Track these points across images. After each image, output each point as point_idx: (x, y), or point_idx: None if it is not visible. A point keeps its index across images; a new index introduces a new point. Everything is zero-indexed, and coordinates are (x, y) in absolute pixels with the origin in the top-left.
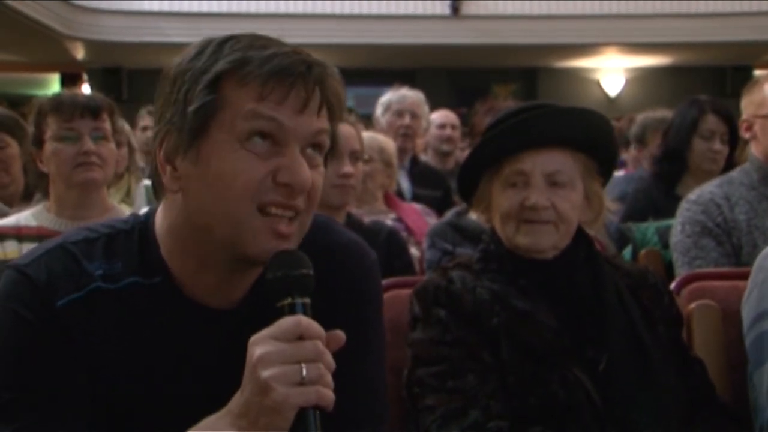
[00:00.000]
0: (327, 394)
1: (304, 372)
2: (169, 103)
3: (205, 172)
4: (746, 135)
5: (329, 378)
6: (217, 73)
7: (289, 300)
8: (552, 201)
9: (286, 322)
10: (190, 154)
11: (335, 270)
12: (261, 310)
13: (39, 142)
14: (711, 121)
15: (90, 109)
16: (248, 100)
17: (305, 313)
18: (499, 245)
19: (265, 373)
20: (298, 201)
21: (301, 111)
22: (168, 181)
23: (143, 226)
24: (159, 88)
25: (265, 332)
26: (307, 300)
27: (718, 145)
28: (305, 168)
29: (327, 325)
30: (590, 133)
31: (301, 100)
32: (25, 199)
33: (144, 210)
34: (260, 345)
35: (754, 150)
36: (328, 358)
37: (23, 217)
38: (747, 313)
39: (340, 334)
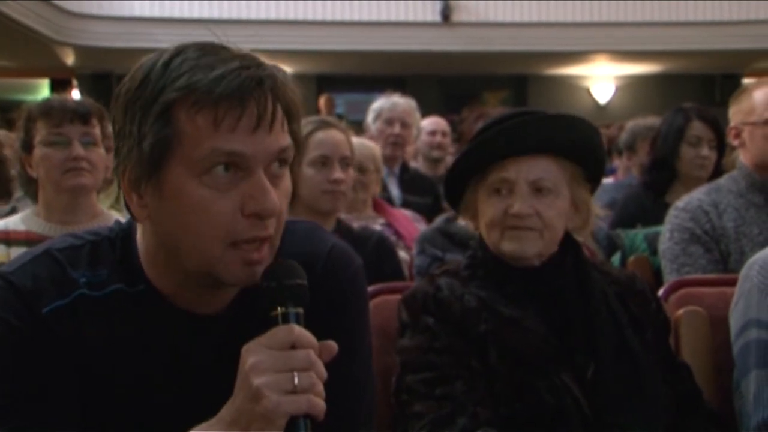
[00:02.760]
0: (318, 403)
1: (296, 380)
2: (123, 136)
3: (169, 206)
4: (735, 142)
5: (321, 387)
6: (165, 104)
7: (282, 309)
8: (536, 208)
9: (279, 331)
10: (152, 186)
11: (321, 276)
12: (248, 315)
13: (28, 147)
14: (697, 128)
15: (79, 114)
16: (203, 129)
17: (298, 323)
18: (487, 252)
19: (258, 381)
20: (269, 227)
21: (256, 129)
22: (135, 209)
23: (125, 234)
24: (112, 115)
25: (258, 340)
26: (300, 310)
27: (705, 151)
28: (271, 193)
29: (314, 330)
30: (575, 140)
31: (255, 118)
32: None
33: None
34: (253, 353)
35: (742, 158)
36: (320, 367)
37: (12, 222)
38: (734, 321)
39: (332, 345)
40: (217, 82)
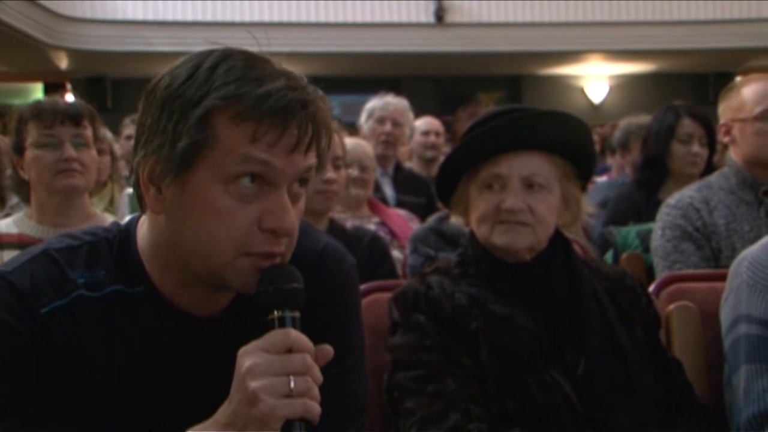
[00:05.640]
0: (314, 407)
1: (292, 384)
2: (156, 130)
3: (189, 205)
4: (725, 139)
5: (316, 391)
6: (207, 109)
7: (279, 313)
8: (528, 203)
9: (275, 335)
10: (176, 183)
11: (314, 275)
12: (246, 318)
13: (20, 149)
14: (687, 125)
15: (71, 116)
16: (240, 140)
17: (295, 327)
18: (477, 249)
19: (254, 384)
20: (282, 244)
21: (293, 151)
22: (151, 202)
23: (125, 235)
24: (144, 106)
25: (254, 344)
26: (297, 314)
27: (696, 148)
28: (291, 213)
29: (307, 330)
30: (567, 137)
31: (294, 139)
32: None
33: (127, 218)
34: (249, 356)
35: (733, 154)
36: (316, 371)
37: (4, 225)
38: (724, 317)
39: (328, 349)
40: (264, 99)
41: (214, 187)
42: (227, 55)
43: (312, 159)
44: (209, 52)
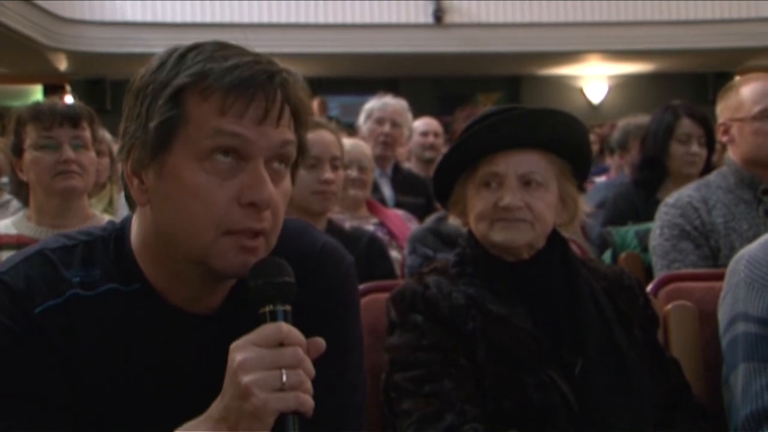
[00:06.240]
0: (307, 401)
1: (285, 378)
2: (132, 117)
3: (169, 188)
4: (723, 139)
5: (309, 384)
6: (177, 87)
7: (270, 307)
8: (526, 201)
9: (267, 329)
10: (154, 168)
11: (312, 274)
12: (240, 314)
13: (18, 150)
14: (686, 125)
15: (69, 118)
16: (210, 114)
17: (286, 320)
18: (475, 248)
19: (246, 379)
20: (264, 221)
21: (263, 121)
22: (136, 194)
23: (119, 234)
24: (124, 100)
25: (246, 338)
26: (288, 307)
27: (695, 148)
28: (268, 184)
29: (305, 329)
30: (563, 135)
31: (262, 110)
32: None
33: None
34: (241, 351)
35: (731, 154)
36: (308, 364)
37: (3, 226)
38: (722, 316)
39: (320, 342)
40: (230, 72)
41: (190, 166)
42: (198, 44)
43: (287, 134)
44: (181, 45)
